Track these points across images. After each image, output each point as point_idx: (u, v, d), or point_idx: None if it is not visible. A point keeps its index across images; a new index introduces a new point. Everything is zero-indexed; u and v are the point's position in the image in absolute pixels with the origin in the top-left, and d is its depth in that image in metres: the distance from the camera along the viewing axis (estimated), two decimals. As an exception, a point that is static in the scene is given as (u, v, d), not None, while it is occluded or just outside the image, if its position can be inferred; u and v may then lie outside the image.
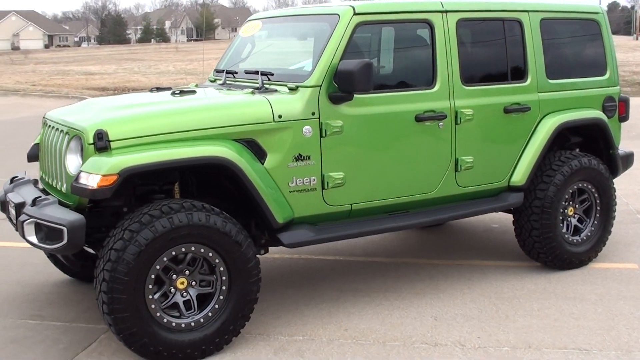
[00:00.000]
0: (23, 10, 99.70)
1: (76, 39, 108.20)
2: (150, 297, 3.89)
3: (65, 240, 3.79)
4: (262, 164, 4.26)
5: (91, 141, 3.89)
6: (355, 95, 4.44)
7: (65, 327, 4.54)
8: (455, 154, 4.90)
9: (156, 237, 3.81)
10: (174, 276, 4.00)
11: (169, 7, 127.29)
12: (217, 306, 4.08)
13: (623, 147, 5.90)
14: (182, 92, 4.63)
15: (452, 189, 4.95)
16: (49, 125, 4.54)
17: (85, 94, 21.27)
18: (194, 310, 4.06)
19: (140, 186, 4.23)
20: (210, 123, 4.14)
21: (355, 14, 4.50)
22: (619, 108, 5.69)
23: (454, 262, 5.73)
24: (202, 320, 4.05)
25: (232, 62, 5.36)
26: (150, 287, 3.88)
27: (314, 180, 4.42)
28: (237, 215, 4.40)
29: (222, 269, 4.06)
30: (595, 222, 5.54)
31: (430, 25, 4.78)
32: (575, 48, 5.61)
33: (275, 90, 4.50)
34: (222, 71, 5.25)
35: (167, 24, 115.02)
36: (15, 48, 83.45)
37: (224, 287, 4.08)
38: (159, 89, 4.90)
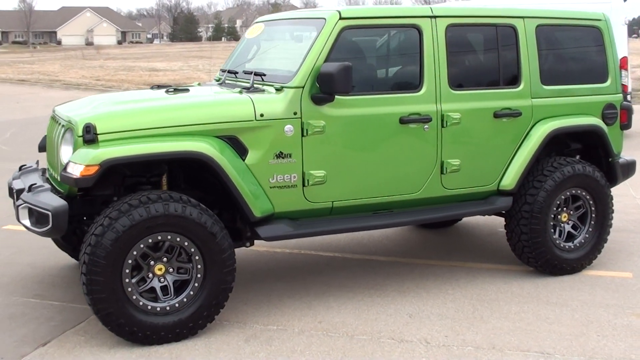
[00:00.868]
0: (98, 6, 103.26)
1: (148, 36, 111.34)
2: (127, 280, 4.21)
3: (50, 225, 4.16)
4: (244, 160, 4.54)
5: (80, 134, 4.25)
6: (338, 97, 4.67)
7: (62, 307, 4.92)
8: (441, 157, 5.06)
9: (133, 224, 4.13)
10: (152, 262, 4.31)
11: (241, 6, 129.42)
12: (191, 293, 4.38)
13: (626, 155, 5.93)
14: (176, 90, 4.96)
15: (437, 191, 5.11)
16: (54, 119, 4.94)
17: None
18: (170, 295, 4.37)
19: (129, 177, 4.58)
20: (193, 120, 4.44)
21: (340, 18, 4.73)
22: (620, 116, 5.74)
23: (449, 264, 5.88)
24: (177, 305, 4.35)
25: (237, 62, 5.66)
26: (127, 271, 4.20)
27: (294, 177, 4.66)
28: (223, 208, 4.70)
29: (197, 257, 4.35)
30: (590, 229, 5.60)
31: (418, 30, 4.96)
32: (575, 55, 5.67)
33: (263, 90, 4.77)
34: (226, 71, 5.56)
35: (239, 22, 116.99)
36: (89, 43, 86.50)
37: (199, 275, 4.38)
38: (159, 87, 5.24)
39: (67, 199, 4.37)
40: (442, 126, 5.02)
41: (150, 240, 4.23)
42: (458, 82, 5.09)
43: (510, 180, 5.29)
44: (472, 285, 5.36)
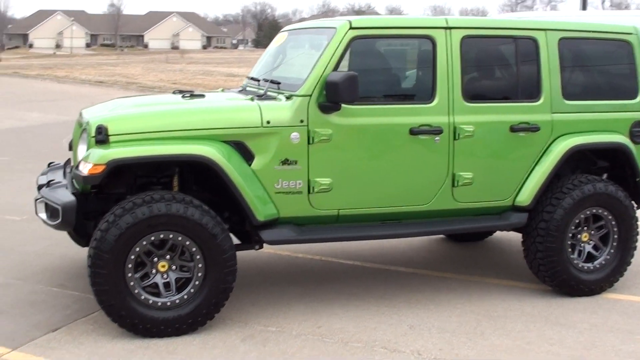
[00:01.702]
0: (184, 11, 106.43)
1: (233, 42, 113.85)
2: (130, 275, 4.50)
3: (60, 219, 4.53)
4: (250, 165, 4.78)
5: (93, 134, 4.60)
6: (346, 106, 4.85)
7: (80, 297, 5.26)
8: (452, 169, 5.13)
9: (136, 222, 4.42)
10: (156, 259, 4.60)
11: (326, 13, 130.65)
12: (192, 290, 4.64)
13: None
14: (192, 96, 5.26)
15: (448, 204, 5.19)
16: (79, 120, 5.34)
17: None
18: (172, 292, 4.66)
19: (141, 177, 4.90)
20: (201, 124, 4.71)
21: (351, 27, 4.89)
22: (650, 135, 5.67)
23: (466, 277, 5.94)
24: (177, 301, 4.61)
25: (262, 70, 5.92)
26: (130, 266, 4.49)
27: (299, 183, 4.86)
28: (232, 211, 4.97)
29: (198, 257, 4.60)
30: (612, 250, 5.55)
31: (432, 41, 5.07)
32: (602, 69, 5.64)
33: (274, 98, 5.02)
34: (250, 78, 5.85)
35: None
36: (174, 47, 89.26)
37: (199, 274, 4.63)
38: (180, 92, 5.55)
39: (82, 195, 4.71)
40: (454, 138, 5.10)
41: (152, 238, 4.51)
42: (472, 94, 5.16)
43: (526, 196, 5.32)
44: (483, 300, 5.41)
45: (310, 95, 4.81)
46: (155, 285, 4.63)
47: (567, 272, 5.39)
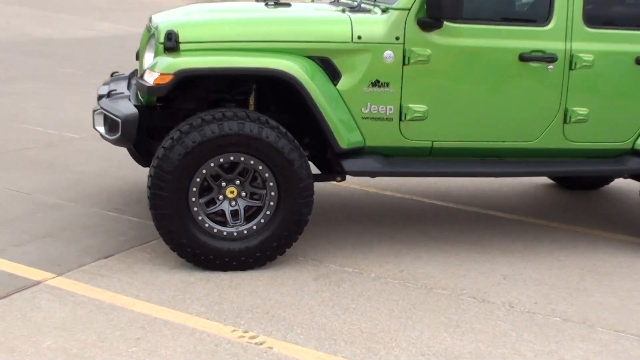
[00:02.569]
0: None
1: None
2: (194, 199, 4.35)
3: (119, 133, 4.29)
4: (335, 85, 4.46)
5: (162, 40, 4.36)
6: (449, 24, 4.49)
7: (137, 223, 5.20)
8: (565, 103, 4.81)
9: (203, 141, 4.25)
10: (224, 184, 4.39)
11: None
12: (262, 221, 4.46)
13: None
14: (277, 4, 4.96)
15: (558, 142, 4.89)
16: (148, 25, 5.06)
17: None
18: (240, 221, 4.41)
19: (213, 93, 4.61)
20: (283, 36, 4.49)
21: None
22: None
23: (573, 228, 5.70)
24: (245, 231, 4.46)
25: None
26: (195, 189, 4.35)
27: (390, 109, 4.56)
28: (314, 136, 4.64)
29: (271, 184, 4.42)
30: None
31: (552, -47, 4.62)
32: None
33: (369, 11, 4.64)
34: None
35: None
36: None
37: (271, 203, 4.44)
38: (265, -1, 5.19)
39: (146, 109, 4.48)
40: (570, 68, 4.77)
41: (221, 160, 4.36)
42: (595, 18, 4.81)
43: (649, 139, 4.90)
44: (589, 254, 5.15)
45: (409, 9, 4.53)
46: (222, 212, 4.52)
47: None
